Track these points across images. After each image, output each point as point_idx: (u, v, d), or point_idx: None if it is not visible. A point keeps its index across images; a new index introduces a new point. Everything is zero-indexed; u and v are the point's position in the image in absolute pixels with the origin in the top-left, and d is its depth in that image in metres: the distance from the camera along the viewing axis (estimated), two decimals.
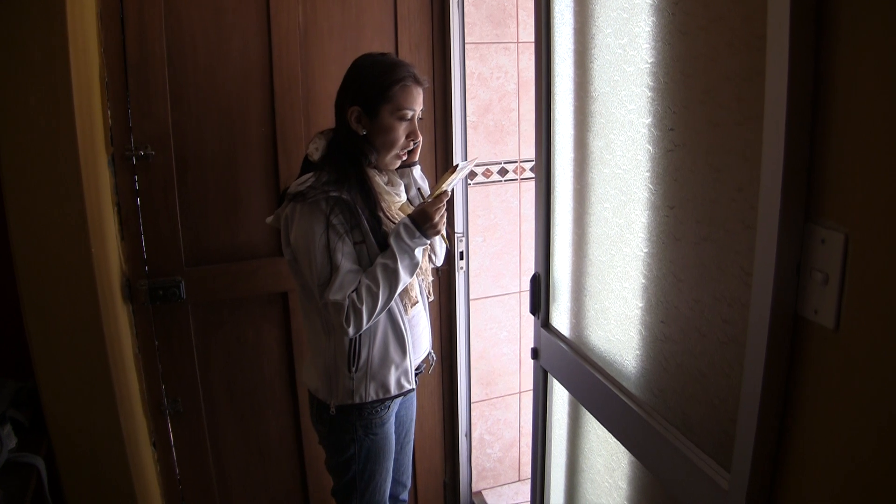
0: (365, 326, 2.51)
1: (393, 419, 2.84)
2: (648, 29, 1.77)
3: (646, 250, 1.85)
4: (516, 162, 3.70)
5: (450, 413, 3.96)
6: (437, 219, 2.55)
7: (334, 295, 2.45)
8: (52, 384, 2.60)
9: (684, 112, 1.66)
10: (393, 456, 2.89)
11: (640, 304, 1.90)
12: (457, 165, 2.70)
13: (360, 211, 2.53)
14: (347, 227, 2.52)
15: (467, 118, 3.58)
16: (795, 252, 1.34)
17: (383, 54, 2.67)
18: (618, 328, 2.04)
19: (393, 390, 2.71)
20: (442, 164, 3.61)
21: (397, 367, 2.70)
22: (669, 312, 1.78)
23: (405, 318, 2.72)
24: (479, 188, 3.66)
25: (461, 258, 3.68)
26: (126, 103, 3.02)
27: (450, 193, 2.68)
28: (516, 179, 3.72)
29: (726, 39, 1.51)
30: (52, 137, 2.41)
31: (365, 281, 2.49)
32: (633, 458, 2.04)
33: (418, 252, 2.56)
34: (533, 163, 3.70)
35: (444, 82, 3.55)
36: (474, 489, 4.12)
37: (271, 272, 3.36)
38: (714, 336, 1.61)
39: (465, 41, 3.51)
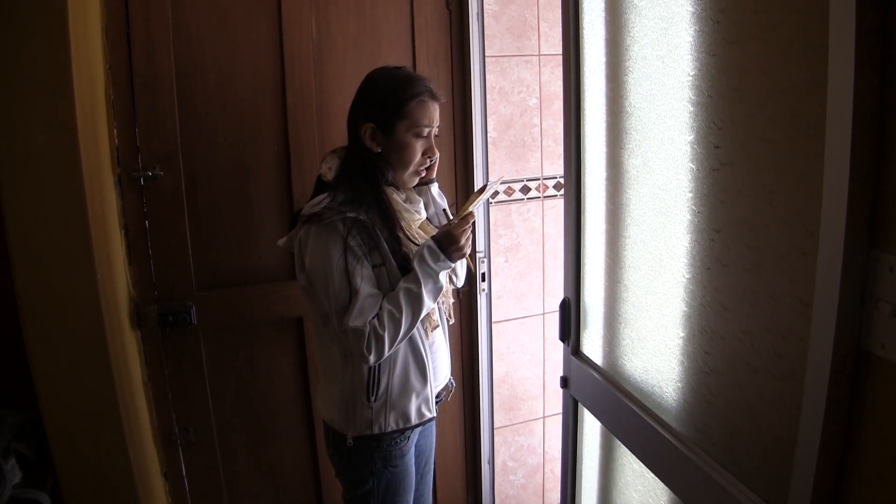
0: (387, 354, 2.42)
1: (413, 450, 2.73)
2: (690, 39, 1.68)
3: (688, 276, 1.75)
4: (539, 179, 3.62)
5: (472, 439, 3.89)
6: (462, 241, 2.46)
7: (354, 321, 2.36)
8: (58, 415, 2.53)
9: (732, 128, 1.56)
10: (413, 488, 2.79)
11: (682, 334, 1.80)
12: (484, 186, 2.67)
13: (378, 232, 2.44)
14: (366, 249, 2.42)
15: (488, 134, 3.50)
16: (860, 281, 1.25)
17: (398, 68, 2.59)
18: (656, 358, 1.95)
19: (413, 419, 2.61)
20: (462, 182, 3.55)
21: (418, 395, 2.60)
22: (715, 343, 1.68)
23: (426, 343, 2.62)
24: (500, 207, 3.58)
25: (483, 280, 3.59)
26: (133, 122, 2.94)
27: (475, 215, 2.60)
28: (539, 197, 3.64)
29: (780, 49, 1.41)
30: (55, 158, 2.35)
31: (387, 306, 2.40)
32: (672, 495, 1.94)
33: (443, 276, 2.47)
34: (556, 180, 3.63)
35: (463, 97, 3.48)
36: None
37: (285, 296, 3.29)
38: (765, 369, 1.52)
39: (486, 54, 3.42)
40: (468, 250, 2.51)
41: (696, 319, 1.75)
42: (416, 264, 2.43)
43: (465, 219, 2.51)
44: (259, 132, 3.16)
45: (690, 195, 1.72)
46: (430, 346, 2.66)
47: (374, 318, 2.37)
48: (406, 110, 2.47)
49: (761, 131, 1.47)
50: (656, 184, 1.87)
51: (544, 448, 4.04)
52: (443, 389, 2.84)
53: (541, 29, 3.52)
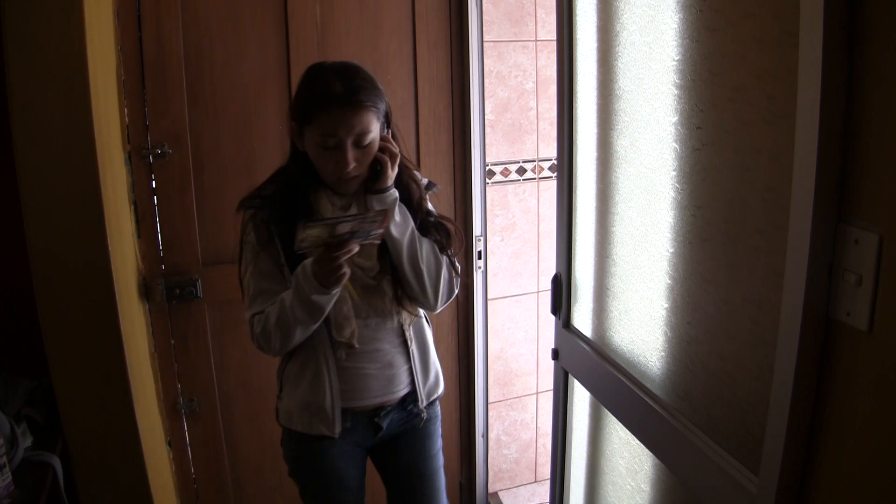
0: (270, 352, 2.36)
1: (343, 463, 2.54)
2: (675, 26, 1.75)
3: (672, 250, 1.83)
4: (535, 161, 3.68)
5: (466, 413, 3.94)
6: (334, 268, 2.13)
7: (246, 311, 2.37)
8: (68, 383, 2.61)
9: (712, 110, 1.64)
10: (342, 499, 2.58)
11: (666, 305, 1.88)
12: (367, 212, 2.28)
13: (274, 231, 2.30)
14: (265, 244, 2.32)
15: (486, 116, 3.56)
16: (828, 253, 1.32)
17: (334, 64, 2.27)
18: (642, 329, 2.03)
19: (299, 426, 2.47)
20: (461, 164, 3.61)
21: (308, 407, 2.43)
22: (696, 314, 1.76)
23: (332, 360, 2.39)
24: (497, 187, 3.65)
25: (479, 258, 3.65)
26: (143, 101, 3.02)
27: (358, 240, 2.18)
28: (535, 179, 3.71)
29: (756, 36, 1.49)
30: (69, 135, 2.42)
31: (268, 309, 2.32)
32: (656, 460, 2.02)
33: (320, 300, 2.21)
34: (551, 162, 3.69)
35: (461, 81, 3.53)
36: (490, 490, 4.10)
37: None
38: (743, 338, 1.60)
39: (484, 39, 3.49)
40: (343, 278, 2.17)
41: (679, 291, 1.83)
42: (293, 279, 2.26)
43: (339, 245, 2.11)
44: (265, 113, 3.23)
45: (674, 173, 1.80)
46: (341, 366, 2.41)
47: (257, 314, 2.34)
48: (311, 117, 2.20)
49: (739, 113, 1.55)
50: (643, 163, 1.94)
51: (537, 423, 4.11)
52: (393, 411, 2.54)
53: (538, 15, 3.58)
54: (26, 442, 2.51)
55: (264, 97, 3.22)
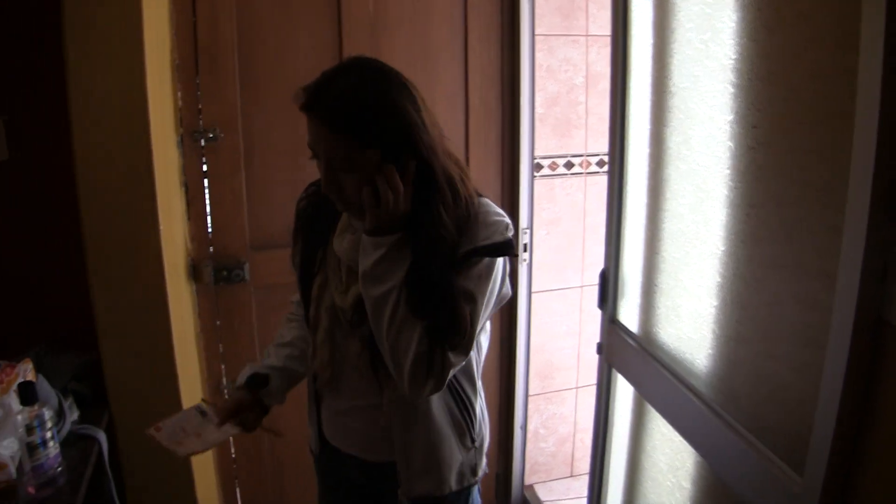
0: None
1: (342, 486, 2.32)
2: (732, 24, 1.76)
3: (723, 248, 1.83)
4: (583, 156, 3.68)
5: (506, 405, 3.95)
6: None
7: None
8: (116, 359, 2.67)
9: (769, 109, 1.64)
10: None
11: (715, 303, 1.88)
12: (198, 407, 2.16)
13: (302, 232, 2.11)
14: (294, 237, 2.15)
15: (535, 110, 3.56)
16: (882, 254, 1.32)
17: (346, 64, 1.82)
18: (689, 326, 2.03)
19: (310, 442, 2.34)
20: (509, 157, 3.60)
21: (310, 423, 2.30)
22: (745, 312, 1.77)
23: (313, 383, 2.19)
24: (544, 181, 3.65)
25: (525, 250, 3.66)
26: (195, 86, 3.05)
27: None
28: (582, 173, 3.70)
29: (813, 36, 1.49)
30: (125, 117, 2.47)
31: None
32: (699, 457, 2.03)
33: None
34: (599, 157, 3.69)
35: (512, 74, 3.53)
36: (526, 483, 4.11)
37: None
38: (792, 338, 1.60)
39: (535, 32, 3.49)
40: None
41: (729, 289, 1.83)
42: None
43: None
44: None
45: (728, 172, 1.80)
46: (325, 399, 2.20)
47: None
48: None
49: (795, 113, 1.55)
50: (696, 160, 1.94)
51: (576, 418, 4.10)
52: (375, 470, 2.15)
53: (589, 10, 3.57)
54: (73, 415, 2.56)
55: None
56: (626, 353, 2.39)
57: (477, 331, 1.81)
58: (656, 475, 2.32)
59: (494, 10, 3.43)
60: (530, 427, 4.00)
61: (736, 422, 1.80)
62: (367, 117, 1.69)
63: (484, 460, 2.17)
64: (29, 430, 2.16)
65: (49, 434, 2.21)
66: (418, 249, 1.76)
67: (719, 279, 1.86)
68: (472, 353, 2.01)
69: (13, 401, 2.30)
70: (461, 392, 2.04)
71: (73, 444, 2.45)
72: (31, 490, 2.19)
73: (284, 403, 2.22)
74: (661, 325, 2.20)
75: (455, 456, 2.05)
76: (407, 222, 1.76)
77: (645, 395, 2.30)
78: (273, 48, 3.13)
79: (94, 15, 2.41)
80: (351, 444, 2.14)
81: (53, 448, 2.24)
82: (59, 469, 2.24)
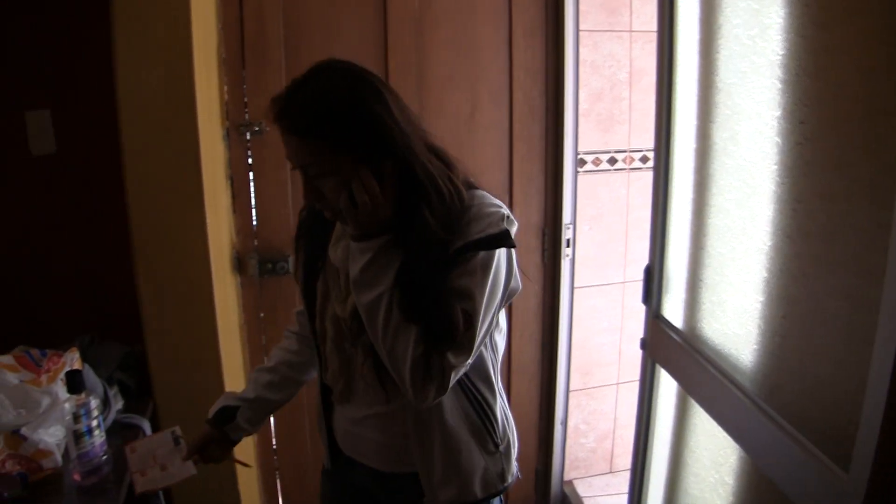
0: None
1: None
2: (780, 21, 1.75)
3: (769, 244, 1.83)
4: (626, 151, 3.68)
5: (546, 400, 3.95)
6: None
7: None
8: (161, 350, 2.70)
9: (816, 105, 1.64)
10: None
11: (761, 299, 1.88)
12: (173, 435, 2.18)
13: (301, 243, 2.08)
14: (295, 243, 2.11)
15: (579, 105, 3.56)
16: None
17: (314, 67, 1.78)
18: (734, 321, 2.03)
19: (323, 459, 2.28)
20: (552, 152, 3.60)
21: (322, 439, 2.23)
22: (792, 308, 1.76)
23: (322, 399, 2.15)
24: (587, 176, 3.66)
25: (567, 245, 3.66)
26: (242, 79, 3.08)
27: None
28: (625, 169, 3.71)
29: (861, 32, 1.49)
30: (172, 110, 2.50)
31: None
32: (742, 453, 2.02)
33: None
34: (642, 153, 3.69)
35: (556, 69, 3.53)
36: (565, 478, 4.11)
37: None
38: (838, 334, 1.60)
39: (579, 28, 3.49)
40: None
41: (775, 285, 1.82)
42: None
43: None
44: None
45: (775, 167, 1.79)
46: (337, 410, 2.13)
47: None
48: None
49: (844, 109, 1.55)
50: (742, 156, 1.94)
51: (616, 414, 4.10)
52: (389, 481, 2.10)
53: (633, 6, 3.57)
54: (118, 404, 2.60)
55: None
56: (669, 348, 2.39)
57: (479, 328, 1.74)
58: (699, 470, 2.32)
59: (539, 5, 3.43)
60: (570, 423, 4.01)
61: (780, 417, 1.79)
62: (335, 122, 1.66)
63: (514, 465, 2.12)
64: (76, 417, 2.19)
65: (95, 422, 2.24)
66: (406, 251, 1.73)
67: (765, 275, 1.86)
68: (487, 353, 1.97)
69: (59, 389, 2.34)
70: (477, 395, 1.97)
71: (118, 432, 2.49)
72: (76, 477, 2.23)
73: (259, 431, 2.28)
74: (706, 320, 2.20)
75: (477, 462, 1.99)
76: (393, 224, 1.73)
77: (689, 391, 2.30)
78: (319, 42, 3.15)
79: (142, 9, 2.45)
80: (367, 454, 2.08)
81: (99, 436, 2.27)
82: (105, 457, 2.28)
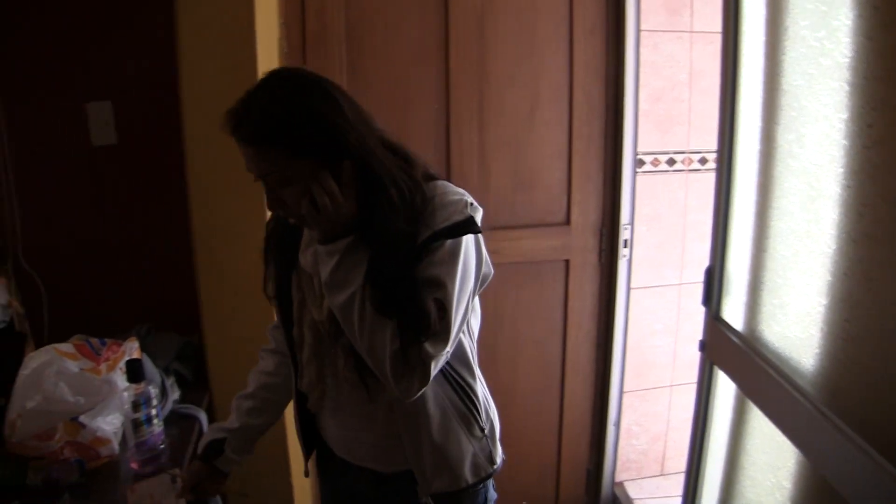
0: None
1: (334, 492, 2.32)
2: (849, 23, 1.74)
3: (833, 247, 1.82)
4: (685, 153, 3.66)
5: (600, 401, 3.95)
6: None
7: None
8: (218, 341, 2.74)
9: (885, 108, 1.62)
10: None
11: (824, 302, 1.87)
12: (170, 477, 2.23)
13: (269, 255, 2.10)
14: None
15: (639, 106, 3.56)
16: None
17: (265, 77, 1.79)
18: (796, 324, 2.01)
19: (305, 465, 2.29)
20: (611, 152, 3.60)
21: (302, 446, 2.23)
22: (855, 312, 1.75)
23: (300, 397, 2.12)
24: (646, 177, 3.65)
25: (625, 246, 3.66)
26: None
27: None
28: (684, 170, 3.69)
29: None
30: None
31: None
32: (801, 457, 2.01)
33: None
34: (701, 155, 3.67)
35: (616, 69, 3.53)
36: (616, 479, 4.11)
37: None
38: None
39: (640, 28, 3.48)
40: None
41: (839, 288, 1.81)
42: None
43: None
44: (421, 92, 3.29)
45: (841, 170, 1.77)
46: (324, 417, 2.12)
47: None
48: None
49: None
50: (808, 158, 1.92)
51: (669, 416, 4.08)
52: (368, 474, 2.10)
53: (694, 6, 3.55)
54: (174, 395, 2.63)
55: (421, 75, 3.29)
56: (729, 350, 2.38)
57: (455, 316, 1.75)
58: (755, 474, 2.31)
59: (600, 4, 3.44)
60: (623, 424, 4.00)
61: (842, 422, 1.77)
62: (286, 128, 1.68)
63: (499, 447, 2.12)
64: (135, 406, 2.23)
65: (154, 411, 2.29)
66: (372, 248, 1.74)
67: (829, 278, 1.84)
68: (464, 339, 1.98)
69: (118, 378, 2.37)
70: (459, 381, 1.99)
71: (175, 422, 2.53)
72: (134, 466, 2.27)
73: (253, 454, 2.24)
74: (767, 322, 2.18)
75: (466, 448, 2.01)
76: (358, 224, 1.74)
77: (747, 393, 2.28)
78: (380, 38, 3.18)
79: (206, 1, 2.48)
80: (364, 457, 2.08)
81: (158, 425, 2.31)
82: (163, 446, 2.32)
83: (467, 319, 1.90)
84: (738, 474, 2.43)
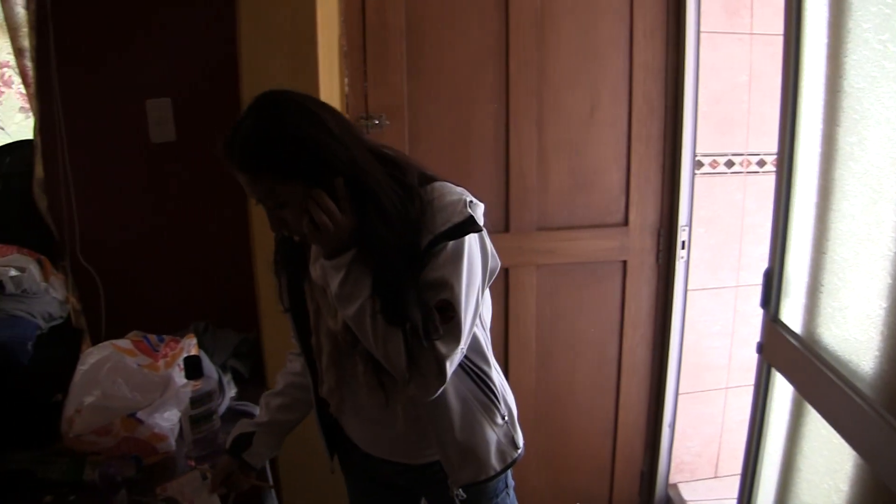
0: None
1: (356, 481, 2.40)
2: None
3: (895, 250, 1.81)
4: (743, 155, 3.64)
5: (655, 402, 3.95)
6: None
7: None
8: (276, 338, 2.76)
9: None
10: None
11: (884, 305, 1.86)
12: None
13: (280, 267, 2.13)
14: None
15: (698, 107, 3.55)
16: None
17: (254, 102, 1.81)
18: (856, 327, 2.01)
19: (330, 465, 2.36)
20: (670, 153, 3.60)
21: (325, 448, 2.31)
22: None
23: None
24: (704, 179, 3.64)
25: (682, 247, 3.66)
26: (363, 72, 3.15)
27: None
28: (742, 172, 3.67)
29: None
30: None
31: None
32: (859, 460, 2.00)
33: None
34: (759, 157, 3.65)
35: (675, 70, 3.53)
36: (670, 481, 4.10)
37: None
38: None
39: (699, 29, 3.47)
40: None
41: None
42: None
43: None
44: (480, 92, 3.31)
45: None
46: (347, 417, 2.17)
47: None
48: None
49: None
50: (870, 161, 1.91)
51: (724, 419, 4.06)
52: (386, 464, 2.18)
53: (754, 8, 3.53)
54: (231, 392, 2.66)
55: (480, 75, 3.31)
56: (787, 352, 2.37)
57: (465, 315, 1.79)
58: (812, 476, 2.31)
59: (660, 5, 3.44)
60: (677, 426, 3.99)
61: None
62: (274, 152, 1.71)
63: (519, 431, 2.16)
64: (193, 403, 2.26)
65: (211, 408, 2.31)
66: (374, 258, 1.77)
67: (890, 281, 1.83)
68: (478, 330, 2.01)
69: (176, 374, 2.40)
70: (477, 371, 2.03)
71: (231, 419, 2.50)
72: (191, 463, 2.30)
73: (281, 451, 2.31)
74: (826, 325, 2.18)
75: (490, 436, 2.06)
76: (359, 236, 1.77)
77: (805, 396, 2.27)
78: (440, 37, 3.21)
79: (265, 2, 2.51)
80: (392, 452, 2.15)
81: (216, 422, 2.34)
82: (220, 443, 2.33)
83: (479, 314, 1.94)
84: (795, 476, 2.42)
